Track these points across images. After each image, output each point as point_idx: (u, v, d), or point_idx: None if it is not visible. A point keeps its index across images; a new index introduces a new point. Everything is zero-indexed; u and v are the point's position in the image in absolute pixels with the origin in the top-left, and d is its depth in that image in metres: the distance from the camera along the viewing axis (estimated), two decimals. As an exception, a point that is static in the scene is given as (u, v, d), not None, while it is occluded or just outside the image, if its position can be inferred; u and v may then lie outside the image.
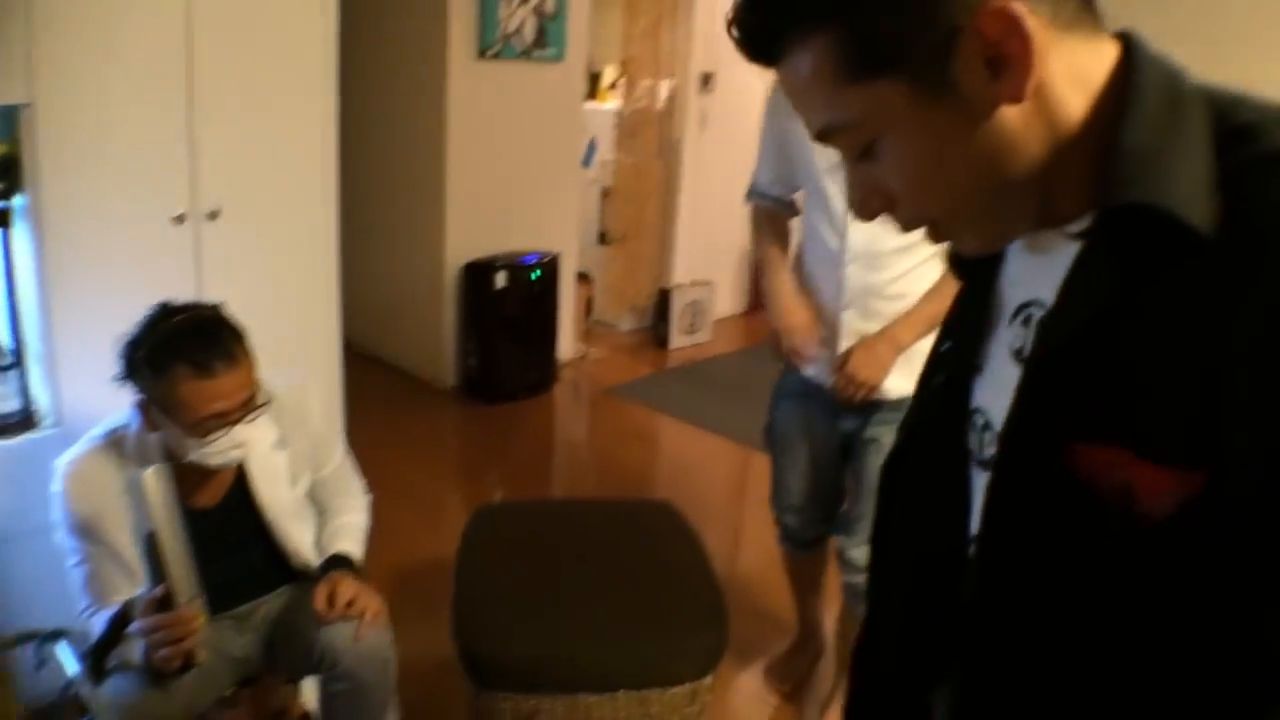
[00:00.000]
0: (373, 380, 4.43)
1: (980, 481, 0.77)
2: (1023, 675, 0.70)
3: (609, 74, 6.15)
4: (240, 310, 1.74)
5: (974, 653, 0.74)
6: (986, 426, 0.77)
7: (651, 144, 5.44)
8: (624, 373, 4.98)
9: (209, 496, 1.77)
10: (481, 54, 4.23)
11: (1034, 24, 0.60)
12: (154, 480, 1.43)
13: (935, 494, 0.82)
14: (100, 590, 1.64)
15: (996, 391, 0.74)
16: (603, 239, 5.59)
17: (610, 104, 5.90)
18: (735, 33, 0.68)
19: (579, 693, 1.92)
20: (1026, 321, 0.73)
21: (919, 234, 0.77)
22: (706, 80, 5.54)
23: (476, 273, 4.33)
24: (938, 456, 0.82)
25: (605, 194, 5.59)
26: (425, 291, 4.48)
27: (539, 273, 4.44)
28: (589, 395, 4.74)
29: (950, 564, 0.78)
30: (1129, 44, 0.66)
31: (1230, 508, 0.56)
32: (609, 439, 4.29)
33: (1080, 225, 0.66)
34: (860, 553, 2.12)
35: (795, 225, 2.16)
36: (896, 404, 2.00)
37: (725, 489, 3.87)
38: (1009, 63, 0.61)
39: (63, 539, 1.65)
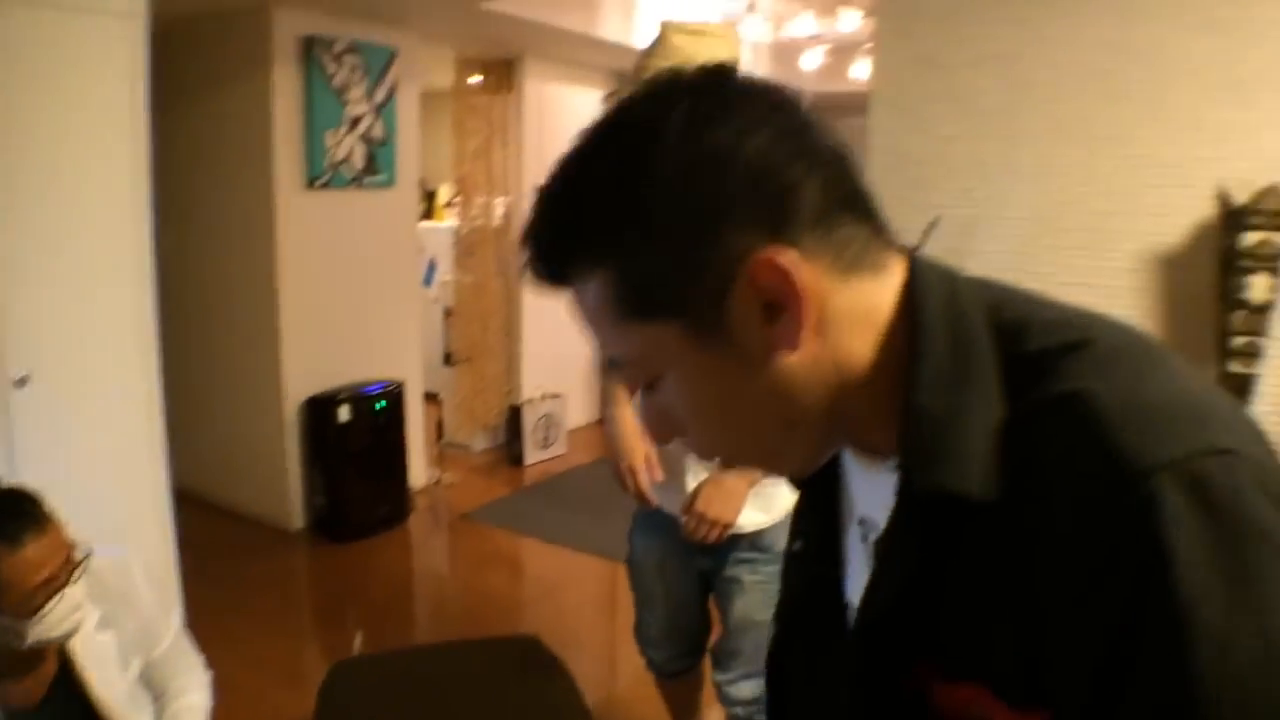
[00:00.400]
0: (215, 529, 4.15)
1: None
2: None
3: (444, 192, 6.16)
4: (59, 479, 1.59)
5: None
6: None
7: (490, 261, 5.43)
8: (480, 495, 4.84)
9: (28, 694, 1.58)
10: (310, 184, 4.14)
11: (810, 272, 0.60)
12: None
13: (826, 684, 0.79)
14: None
15: (857, 588, 0.72)
16: (448, 359, 5.50)
17: (448, 222, 5.89)
18: (525, 259, 0.67)
19: None
20: (865, 536, 0.74)
21: None
22: (541, 196, 5.60)
23: (318, 407, 4.15)
24: (822, 650, 0.79)
25: (448, 313, 5.53)
26: (265, 431, 4.26)
27: (384, 402, 4.30)
28: (446, 523, 4.57)
29: None
30: (912, 269, 0.66)
31: None
32: (470, 568, 4.12)
33: (894, 462, 0.65)
34: (737, 689, 2.06)
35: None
36: (754, 539, 1.95)
37: (595, 609, 3.77)
38: (783, 311, 0.61)
39: None
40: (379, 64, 4.35)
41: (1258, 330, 2.54)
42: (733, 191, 0.60)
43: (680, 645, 2.21)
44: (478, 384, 5.43)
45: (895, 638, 0.65)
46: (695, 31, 1.74)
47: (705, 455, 0.71)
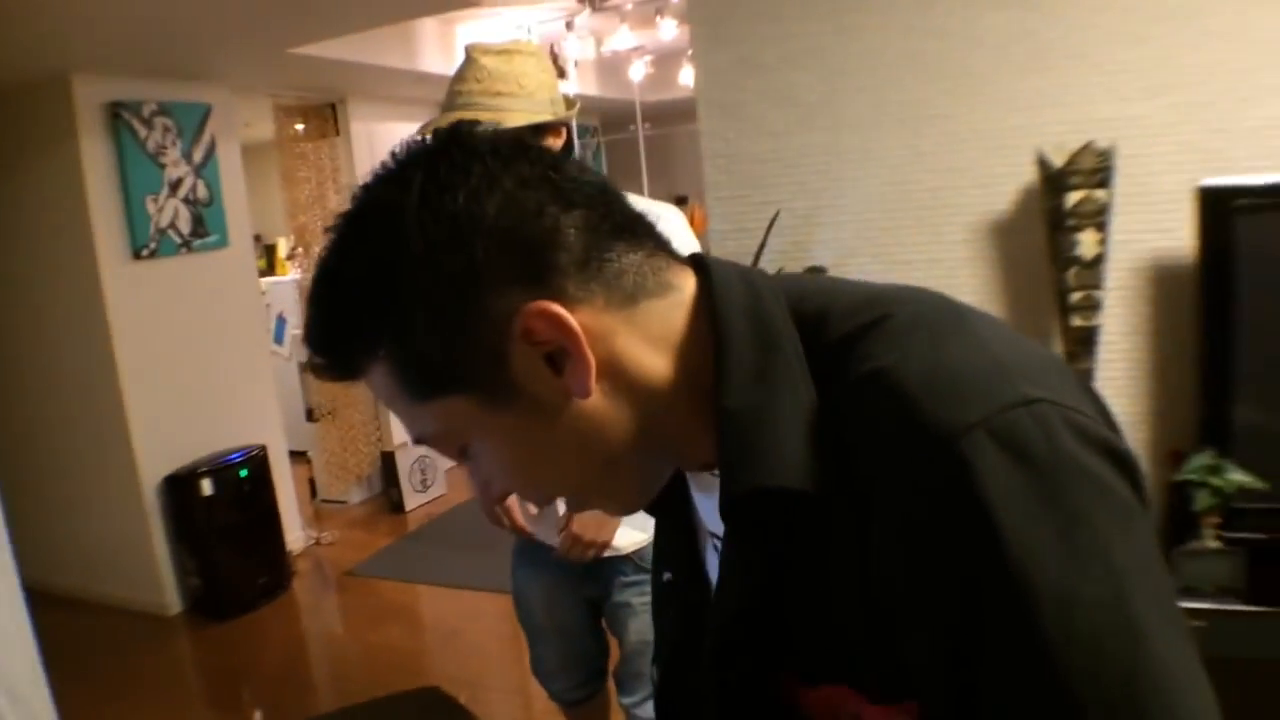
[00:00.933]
0: (87, 627, 3.90)
1: None
2: None
3: (284, 245, 5.96)
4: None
5: None
6: None
7: (342, 309, 5.27)
8: (364, 548, 4.70)
9: None
10: (136, 254, 3.93)
11: (585, 314, 0.61)
12: None
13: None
14: None
15: None
16: (311, 415, 5.31)
17: (292, 275, 5.70)
18: (313, 359, 0.66)
19: None
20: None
21: None
22: (384, 236, 5.48)
23: (179, 485, 3.95)
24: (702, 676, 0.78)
25: (304, 368, 5.34)
26: (125, 517, 4.01)
27: (246, 470, 4.12)
28: (332, 582, 4.41)
29: None
30: (707, 278, 0.66)
31: None
32: (363, 626, 3.99)
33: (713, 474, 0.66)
34: (644, 709, 2.04)
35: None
36: (637, 560, 1.94)
37: (499, 647, 3.70)
38: (566, 359, 0.61)
39: None
40: (193, 122, 4.18)
41: (1092, 284, 2.69)
42: (482, 255, 0.59)
43: (578, 674, 2.18)
44: (345, 436, 5.27)
45: (749, 650, 0.65)
46: (503, 51, 1.72)
47: (539, 504, 0.71)
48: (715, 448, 0.62)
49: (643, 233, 0.66)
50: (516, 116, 1.69)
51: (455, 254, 0.59)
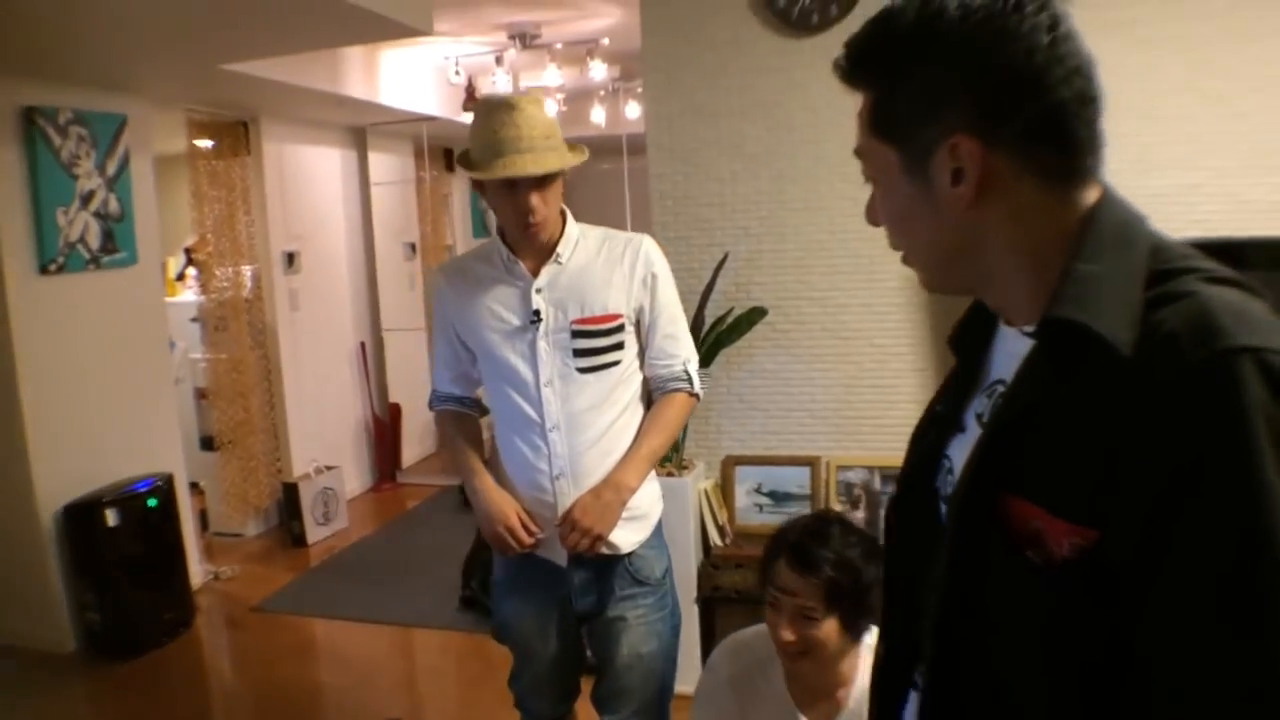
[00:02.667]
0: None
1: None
2: (973, 662, 0.87)
3: (173, 264, 5.74)
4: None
5: (939, 646, 0.89)
6: (950, 471, 0.96)
7: (243, 334, 5.12)
8: (266, 584, 4.53)
9: None
10: (44, 269, 3.74)
11: (994, 162, 0.81)
12: None
13: (919, 525, 0.98)
14: None
15: (963, 447, 0.92)
16: (207, 444, 5.11)
17: (184, 296, 5.49)
18: (840, 61, 0.90)
19: None
20: (991, 394, 0.93)
21: (609, 390, 1.92)
22: (291, 259, 5.37)
23: (80, 514, 3.74)
24: (922, 495, 0.99)
25: (201, 394, 5.14)
26: (19, 547, 3.77)
27: (155, 500, 3.95)
28: (239, 619, 4.23)
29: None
30: (1105, 193, 0.84)
31: (1113, 559, 0.73)
32: (275, 664, 3.84)
33: (1031, 327, 0.84)
34: None
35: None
36: (632, 570, 1.99)
37: (425, 682, 3.65)
38: (964, 178, 0.82)
39: None
40: (108, 133, 4.02)
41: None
42: (969, 87, 0.81)
43: (561, 689, 2.21)
44: (246, 466, 5.09)
45: (1000, 455, 0.82)
46: (536, 101, 1.86)
47: (892, 246, 0.93)
48: (1042, 307, 0.80)
49: (1084, 152, 0.82)
50: (569, 158, 1.84)
51: (967, 64, 0.81)
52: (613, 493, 1.89)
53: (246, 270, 5.12)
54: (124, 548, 3.80)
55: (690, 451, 3.36)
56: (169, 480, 4.07)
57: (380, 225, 6.22)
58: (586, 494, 1.90)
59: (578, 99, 6.43)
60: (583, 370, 1.91)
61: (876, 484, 3.26)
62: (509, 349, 1.93)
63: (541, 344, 1.90)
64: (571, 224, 1.97)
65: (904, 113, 0.84)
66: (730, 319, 3.20)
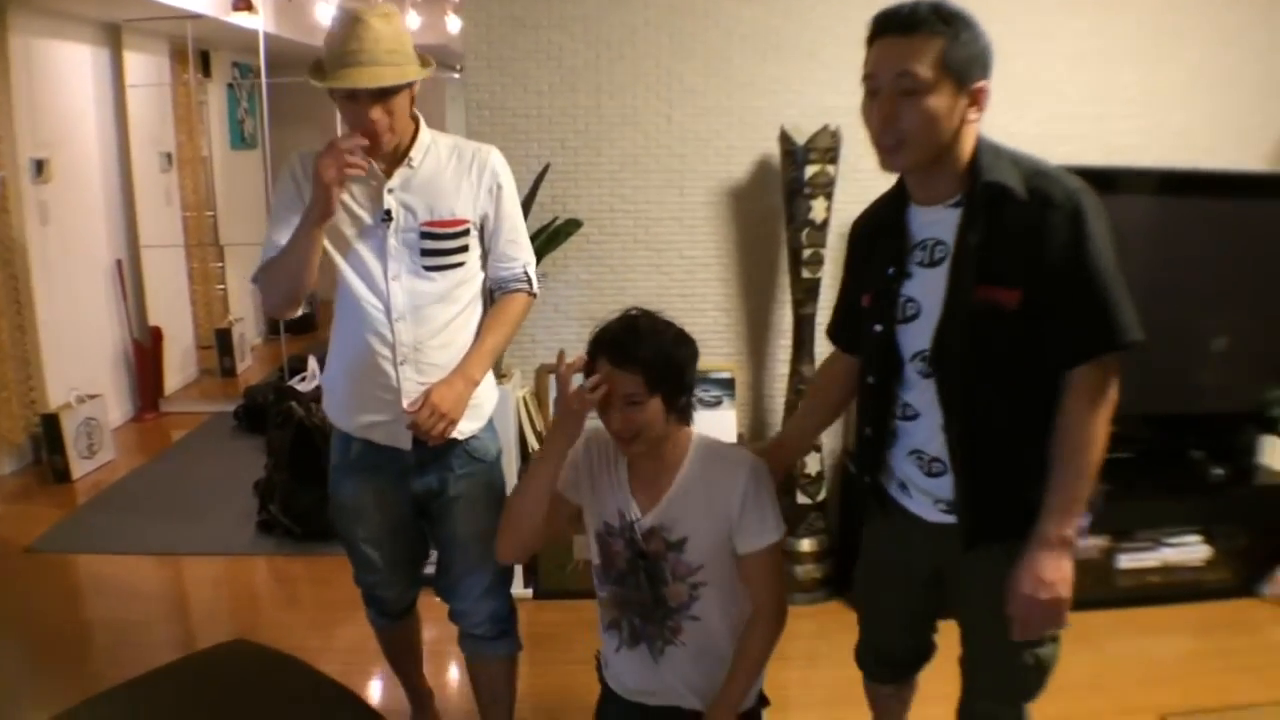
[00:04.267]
0: None
1: (905, 330, 1.67)
2: (970, 391, 1.61)
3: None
4: None
5: (945, 386, 1.64)
6: (911, 300, 1.66)
7: (-15, 251, 4.58)
8: (35, 524, 4.15)
9: None
10: None
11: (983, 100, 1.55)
12: None
13: (884, 343, 1.72)
14: None
15: (920, 283, 1.64)
16: (-54, 375, 4.58)
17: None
18: (902, 12, 1.51)
19: None
20: (924, 248, 1.63)
21: (452, 287, 2.04)
22: (40, 168, 4.85)
23: None
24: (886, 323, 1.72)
25: None
26: None
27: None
28: (11, 564, 3.84)
29: (894, 375, 1.73)
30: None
31: (1035, 300, 1.52)
32: (72, 604, 3.55)
33: (955, 199, 1.59)
34: (478, 605, 2.21)
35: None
36: (471, 449, 2.14)
37: (236, 608, 3.53)
38: (980, 105, 1.54)
39: None
40: None
41: (819, 243, 3.17)
42: (984, 53, 1.52)
43: (408, 577, 2.32)
44: (-6, 397, 4.61)
45: (969, 266, 1.55)
46: (384, 15, 1.91)
47: (891, 143, 1.54)
48: (959, 184, 1.58)
49: None
50: (412, 72, 1.90)
51: (981, 39, 1.52)
52: (463, 382, 2.04)
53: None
54: None
55: (507, 362, 3.43)
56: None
57: (136, 133, 5.70)
58: (440, 383, 2.02)
59: (433, 6, 6.12)
60: (429, 269, 2.02)
61: (686, 388, 3.47)
62: (360, 243, 2.00)
63: (391, 240, 1.99)
64: (424, 131, 2.05)
65: (963, 58, 1.48)
66: (550, 230, 3.26)
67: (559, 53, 3.29)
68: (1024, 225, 1.50)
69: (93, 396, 4.93)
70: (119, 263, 5.63)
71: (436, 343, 2.04)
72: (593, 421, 1.79)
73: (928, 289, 1.62)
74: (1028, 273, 1.50)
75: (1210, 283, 3.29)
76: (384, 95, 1.87)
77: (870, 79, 1.54)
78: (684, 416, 1.80)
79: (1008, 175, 1.52)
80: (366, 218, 2.00)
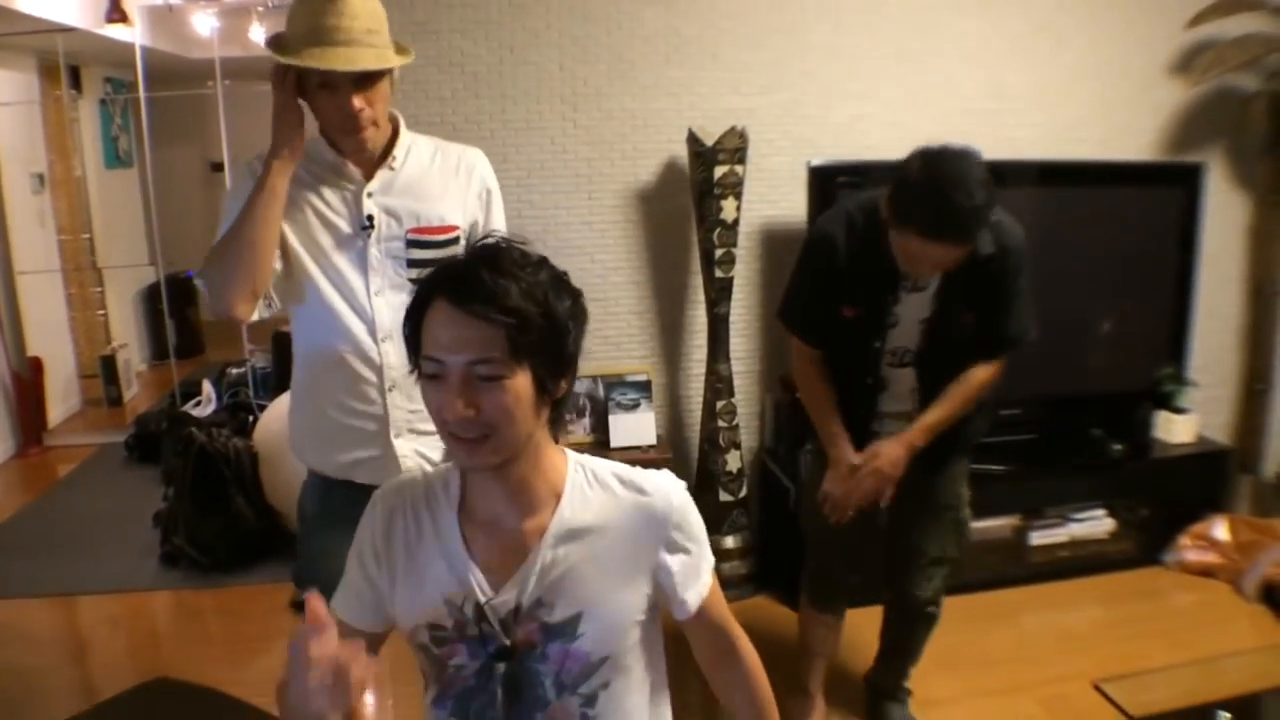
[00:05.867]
0: None
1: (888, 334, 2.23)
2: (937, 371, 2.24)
3: None
4: None
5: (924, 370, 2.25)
6: (893, 316, 2.19)
7: None
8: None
9: None
10: None
11: None
12: None
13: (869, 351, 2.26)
14: None
15: (906, 304, 2.17)
16: None
17: None
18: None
19: None
20: (908, 277, 2.13)
21: None
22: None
23: None
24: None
25: None
26: None
27: None
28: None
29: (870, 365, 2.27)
30: None
31: (981, 318, 2.16)
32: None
33: None
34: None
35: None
36: None
37: (151, 646, 3.35)
38: None
39: None
40: None
41: (731, 242, 3.19)
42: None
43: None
44: None
45: (957, 297, 2.13)
46: None
47: None
48: None
49: None
50: (392, 58, 1.72)
51: None
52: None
53: None
54: None
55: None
56: None
57: (5, 153, 5.38)
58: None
59: (235, 15, 5.92)
60: (415, 281, 1.77)
61: (601, 392, 3.44)
62: (337, 254, 1.80)
63: (373, 250, 1.80)
64: (404, 130, 1.86)
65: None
66: (460, 240, 3.20)
67: (461, 58, 3.24)
68: (987, 270, 2.07)
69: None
70: (-9, 291, 5.31)
71: None
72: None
73: (910, 308, 2.18)
74: (981, 299, 2.14)
75: (1100, 268, 3.44)
76: (366, 81, 1.68)
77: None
78: (556, 421, 1.20)
79: (987, 244, 2.02)
80: (344, 225, 1.79)
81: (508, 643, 1.17)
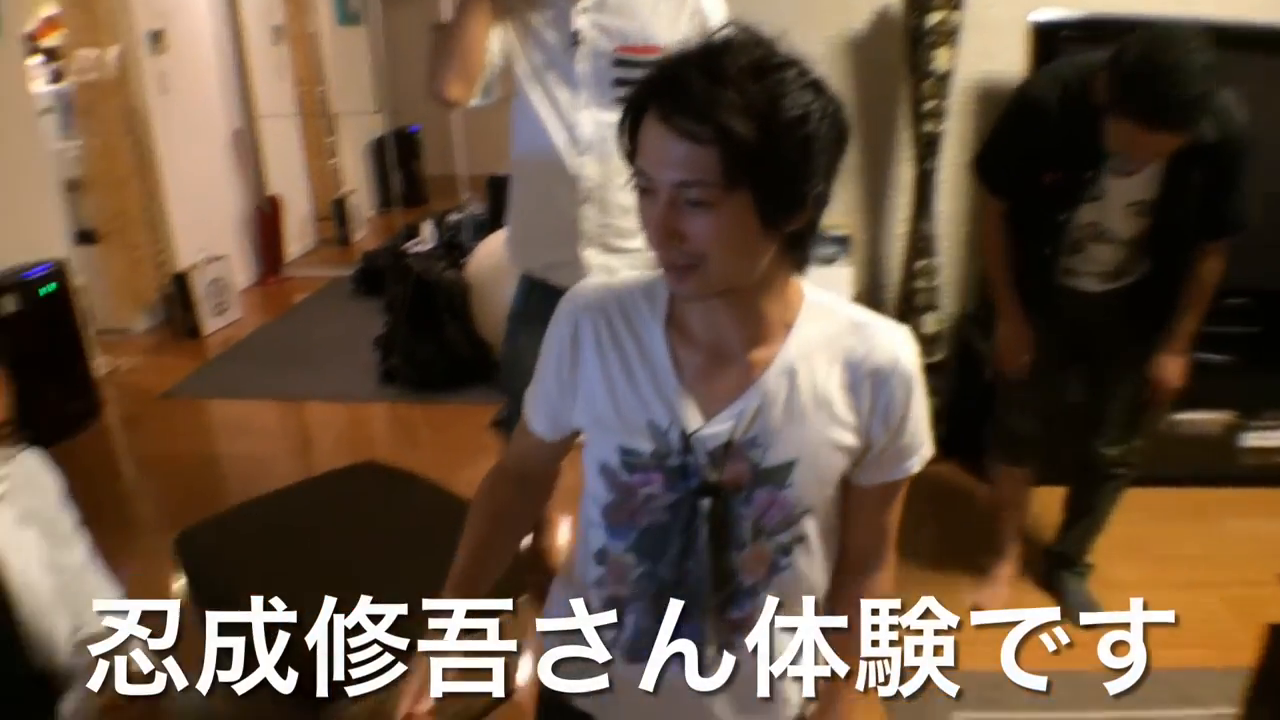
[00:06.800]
0: None
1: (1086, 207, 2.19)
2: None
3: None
4: None
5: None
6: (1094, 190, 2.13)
7: (113, 119, 4.75)
8: (169, 374, 4.42)
9: None
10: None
11: None
12: None
13: None
14: None
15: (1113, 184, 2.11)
16: (85, 238, 4.80)
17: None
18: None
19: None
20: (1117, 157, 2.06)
21: None
22: (157, 38, 4.97)
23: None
24: None
25: (72, 186, 4.79)
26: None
27: (53, 284, 3.76)
28: (147, 408, 4.13)
29: None
30: None
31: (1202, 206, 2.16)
32: (204, 442, 3.83)
33: None
34: None
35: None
36: None
37: (363, 446, 3.70)
38: None
39: None
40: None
41: (942, 94, 3.06)
42: None
43: None
44: (130, 258, 4.85)
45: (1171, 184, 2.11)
46: None
47: None
48: None
49: None
50: None
51: None
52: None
53: (112, 50, 4.69)
54: (22, 337, 3.63)
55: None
56: (62, 266, 3.87)
57: (245, 5, 5.78)
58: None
59: None
60: (621, 101, 1.86)
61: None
62: (547, 70, 1.88)
63: (581, 67, 1.87)
64: None
65: None
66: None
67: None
68: (1208, 156, 2.01)
69: (220, 258, 5.14)
70: (237, 132, 5.78)
71: (624, 181, 1.89)
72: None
73: (1119, 190, 2.10)
74: (1201, 185, 2.07)
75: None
76: None
77: None
78: (799, 251, 1.01)
79: (1210, 132, 1.93)
80: (554, 41, 1.87)
81: (714, 479, 1.05)
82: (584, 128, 1.87)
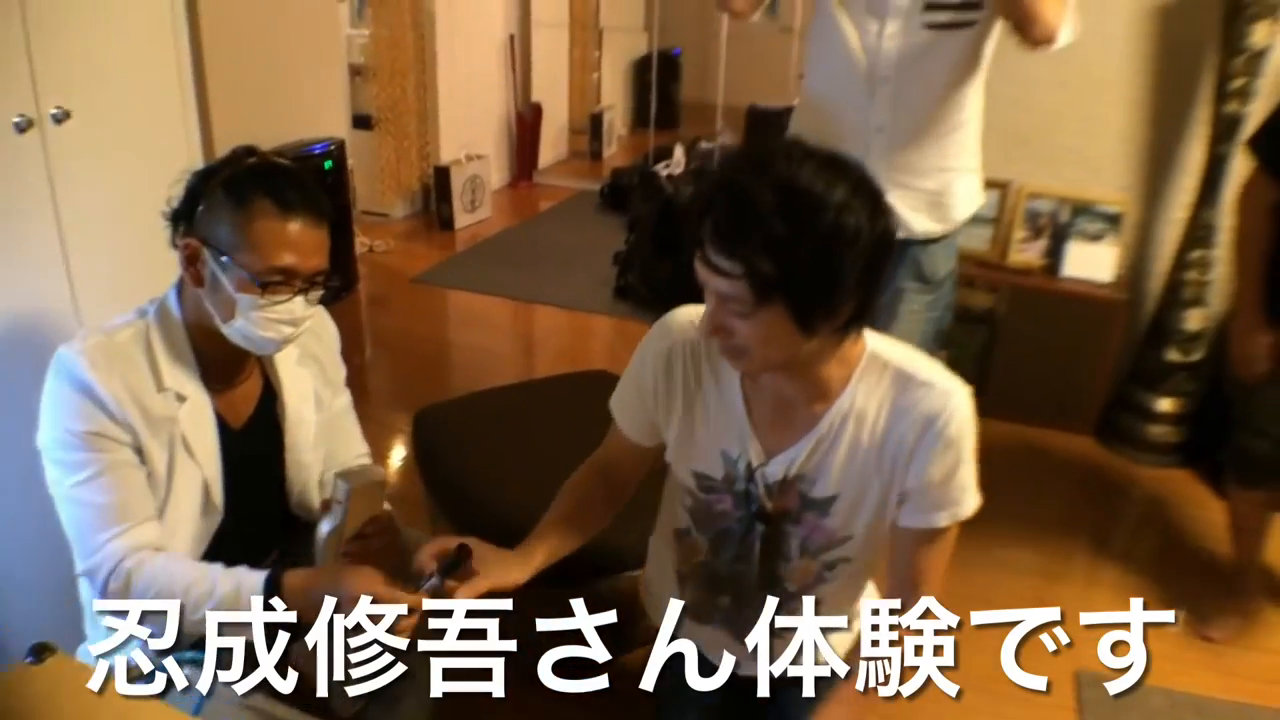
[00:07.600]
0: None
1: None
2: None
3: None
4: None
5: None
6: None
7: (405, 11, 5.00)
8: (420, 260, 4.70)
9: (237, 414, 1.44)
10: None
11: None
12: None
13: None
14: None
15: None
16: (360, 123, 5.12)
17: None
18: None
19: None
20: None
21: (954, 53, 1.73)
22: (450, -65, 5.16)
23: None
24: None
25: (356, 72, 5.10)
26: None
27: (330, 163, 4.02)
28: (398, 289, 4.42)
29: None
30: None
31: None
32: (443, 327, 4.06)
33: None
34: None
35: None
36: (918, 264, 1.90)
37: (588, 357, 3.81)
38: None
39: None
40: None
41: (1254, 72, 2.71)
42: None
43: None
44: (399, 146, 5.13)
45: None
46: None
47: None
48: None
49: None
50: None
51: None
52: None
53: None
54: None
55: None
56: (340, 146, 4.13)
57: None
58: None
59: None
60: (930, 26, 1.71)
61: (1064, 216, 3.15)
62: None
63: None
64: None
65: None
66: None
67: None
68: None
69: (479, 157, 5.36)
70: (511, 37, 5.96)
71: (925, 115, 1.78)
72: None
73: None
74: None
75: None
76: None
77: None
78: (848, 331, 1.10)
79: None
80: None
81: (769, 507, 1.24)
82: (887, 55, 1.74)
